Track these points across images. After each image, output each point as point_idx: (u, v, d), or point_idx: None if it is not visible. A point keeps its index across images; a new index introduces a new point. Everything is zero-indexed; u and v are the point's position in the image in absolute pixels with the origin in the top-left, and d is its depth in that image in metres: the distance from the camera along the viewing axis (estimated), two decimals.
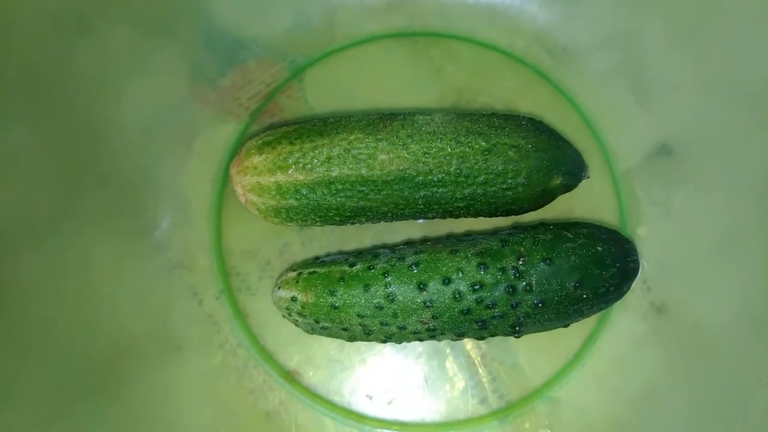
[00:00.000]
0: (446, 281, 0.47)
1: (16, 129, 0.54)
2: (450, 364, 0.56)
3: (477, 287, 0.47)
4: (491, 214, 0.54)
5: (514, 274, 0.47)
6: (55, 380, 0.51)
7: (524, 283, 0.47)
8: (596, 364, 0.56)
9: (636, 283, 0.54)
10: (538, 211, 0.55)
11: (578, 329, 0.55)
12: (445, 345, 0.56)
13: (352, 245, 0.58)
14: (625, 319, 0.57)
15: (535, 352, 0.56)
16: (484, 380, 0.55)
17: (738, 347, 0.55)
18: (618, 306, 0.56)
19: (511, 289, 0.47)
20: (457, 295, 0.47)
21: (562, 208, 0.59)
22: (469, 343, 0.56)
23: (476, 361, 0.56)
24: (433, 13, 0.66)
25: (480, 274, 0.47)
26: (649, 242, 0.59)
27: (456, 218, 0.55)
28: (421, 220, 0.57)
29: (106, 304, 0.55)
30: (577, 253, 0.48)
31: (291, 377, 0.55)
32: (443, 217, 0.54)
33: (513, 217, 0.56)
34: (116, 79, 0.59)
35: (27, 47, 0.55)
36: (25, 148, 0.54)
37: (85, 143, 0.57)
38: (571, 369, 0.56)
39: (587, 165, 0.54)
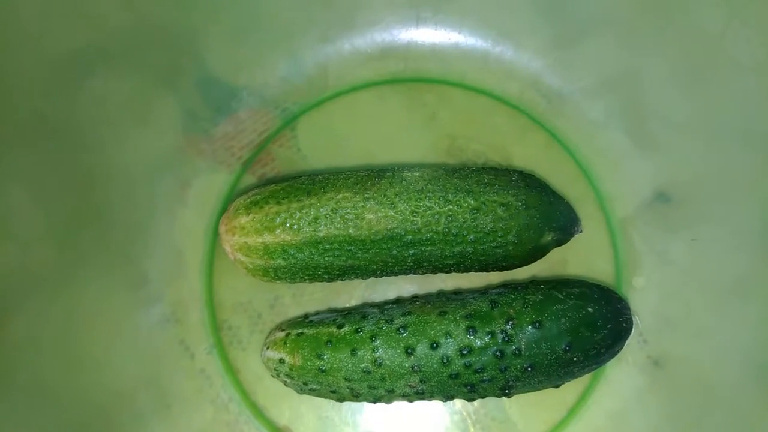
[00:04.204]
0: (434, 345, 0.47)
1: (14, 180, 0.54)
2: (442, 421, 0.55)
3: (465, 352, 0.46)
4: (482, 270, 0.54)
5: (503, 338, 0.47)
6: None
7: (513, 348, 0.46)
8: (592, 419, 0.55)
9: (631, 337, 0.53)
10: None
11: (572, 384, 0.54)
12: (436, 402, 0.55)
13: (343, 298, 0.58)
14: (621, 373, 0.56)
15: (528, 407, 0.55)
16: None
17: (741, 401, 0.54)
18: (613, 360, 0.54)
19: (499, 354, 0.46)
20: (445, 360, 0.47)
21: (556, 258, 0.58)
22: (460, 400, 0.55)
23: (468, 418, 0.55)
24: (427, 59, 0.66)
25: (468, 338, 0.47)
26: (646, 293, 0.58)
27: (447, 274, 0.54)
28: (411, 275, 0.56)
29: (96, 359, 0.55)
30: (567, 315, 0.47)
31: None
32: (434, 272, 0.54)
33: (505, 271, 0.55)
34: (114, 130, 0.59)
35: (27, 99, 0.55)
36: (22, 201, 0.54)
37: (82, 194, 0.57)
38: (565, 425, 0.55)
39: (580, 220, 0.54)
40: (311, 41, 0.65)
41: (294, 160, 0.62)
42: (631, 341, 0.55)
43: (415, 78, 0.65)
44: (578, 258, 0.59)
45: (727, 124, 0.59)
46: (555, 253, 0.56)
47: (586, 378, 0.56)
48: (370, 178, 0.51)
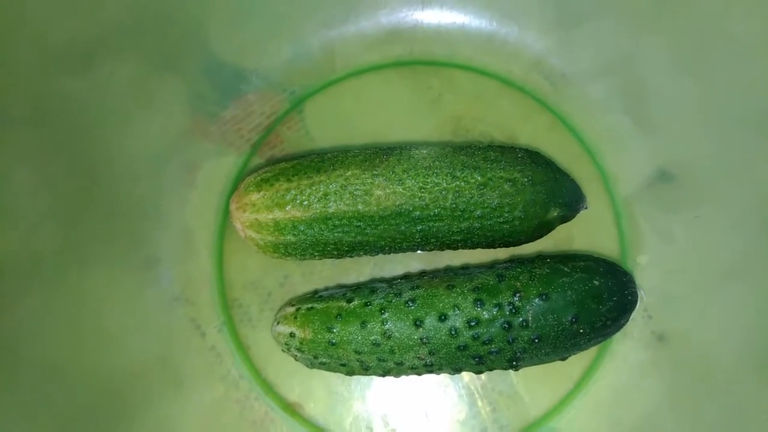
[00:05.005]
0: (442, 318, 0.48)
1: (21, 164, 0.55)
2: (450, 396, 0.56)
3: (473, 323, 0.47)
4: (489, 246, 0.54)
5: (510, 310, 0.47)
6: (56, 415, 0.51)
7: (520, 319, 0.47)
8: (597, 393, 0.56)
9: (636, 312, 0.53)
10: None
11: (578, 359, 0.54)
12: (444, 376, 0.56)
13: (351, 276, 0.59)
14: (626, 348, 0.57)
15: (535, 382, 0.56)
16: (484, 411, 0.55)
17: (743, 377, 0.54)
18: (618, 335, 0.55)
19: (507, 325, 0.47)
20: (453, 332, 0.47)
21: (562, 236, 0.59)
22: (468, 375, 0.56)
23: (476, 392, 0.56)
24: (432, 42, 0.66)
25: (476, 310, 0.47)
26: (650, 270, 0.59)
27: (454, 250, 0.55)
28: (419, 251, 0.57)
29: (109, 338, 0.55)
30: (573, 287, 0.48)
31: (292, 409, 0.55)
32: (441, 249, 0.55)
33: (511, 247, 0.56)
34: (120, 114, 0.60)
35: (32, 84, 0.56)
36: (30, 184, 0.55)
37: (89, 177, 0.58)
38: (571, 399, 0.56)
39: (585, 196, 0.54)
40: (317, 24, 0.66)
41: (302, 143, 0.63)
42: (636, 317, 0.56)
43: (420, 61, 0.66)
44: (583, 235, 0.60)
45: (727, 104, 0.59)
46: (560, 230, 0.57)
47: (591, 353, 0.56)
48: (379, 155, 0.52)
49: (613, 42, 0.64)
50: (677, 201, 0.60)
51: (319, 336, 0.50)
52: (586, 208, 0.54)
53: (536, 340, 0.48)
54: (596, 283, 0.49)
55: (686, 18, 0.61)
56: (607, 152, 0.63)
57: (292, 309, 0.52)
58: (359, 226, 0.51)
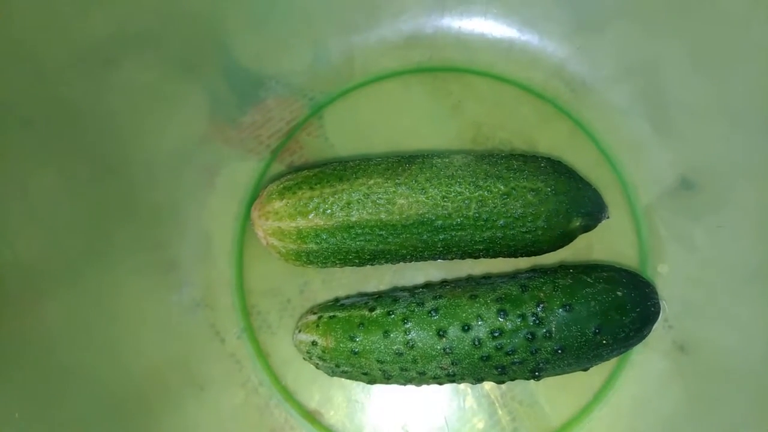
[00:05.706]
0: (466, 328, 0.48)
1: (43, 168, 0.55)
2: (470, 405, 0.56)
3: (497, 334, 0.47)
4: (511, 255, 0.54)
5: (534, 320, 0.47)
6: (75, 418, 0.52)
7: (544, 330, 0.47)
8: (617, 403, 0.56)
9: (657, 322, 0.53)
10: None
11: (598, 368, 0.54)
12: (464, 385, 0.56)
13: (372, 283, 0.59)
14: (647, 358, 0.57)
15: (555, 391, 0.56)
16: (504, 420, 0.55)
17: (764, 386, 0.54)
18: (639, 345, 0.55)
19: (530, 336, 0.47)
20: (476, 342, 0.47)
21: (581, 244, 0.59)
22: (488, 383, 0.56)
23: (496, 401, 0.56)
24: (452, 48, 0.66)
25: (500, 320, 0.47)
26: (671, 279, 0.59)
27: (475, 259, 0.55)
28: (440, 260, 0.57)
29: (129, 342, 0.56)
30: (596, 298, 0.48)
31: (312, 417, 0.55)
32: (462, 258, 0.54)
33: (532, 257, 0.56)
34: (140, 118, 0.60)
35: (55, 88, 0.56)
36: (52, 188, 0.55)
37: (110, 182, 0.58)
38: (591, 409, 0.56)
39: (607, 206, 0.54)
40: (336, 30, 0.66)
41: (322, 149, 0.63)
42: (657, 326, 0.55)
43: (440, 67, 0.66)
44: (603, 244, 0.59)
45: (749, 109, 0.59)
46: (581, 240, 0.56)
47: (612, 363, 0.56)
48: (401, 164, 0.52)
49: (634, 48, 0.63)
50: (698, 208, 0.60)
51: (341, 345, 0.50)
52: (607, 217, 0.54)
53: (559, 351, 0.47)
54: (619, 294, 0.49)
55: (707, 23, 0.60)
56: (627, 159, 0.63)
57: (313, 317, 0.52)
58: (382, 234, 0.51)
